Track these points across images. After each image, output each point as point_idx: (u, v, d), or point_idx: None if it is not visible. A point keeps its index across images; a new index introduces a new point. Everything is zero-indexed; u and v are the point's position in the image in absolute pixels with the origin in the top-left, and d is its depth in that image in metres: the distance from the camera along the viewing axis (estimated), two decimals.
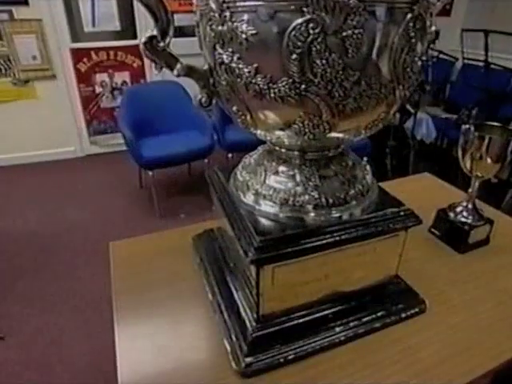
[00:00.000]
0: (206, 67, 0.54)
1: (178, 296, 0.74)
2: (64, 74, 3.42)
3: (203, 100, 0.55)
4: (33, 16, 3.18)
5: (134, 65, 3.52)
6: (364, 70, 0.45)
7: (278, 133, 0.54)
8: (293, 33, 0.42)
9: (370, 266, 0.66)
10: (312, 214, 0.59)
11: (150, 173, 2.50)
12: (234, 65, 0.47)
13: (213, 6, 0.46)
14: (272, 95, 0.47)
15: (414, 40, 0.47)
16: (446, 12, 3.99)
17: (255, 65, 0.46)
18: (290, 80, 0.45)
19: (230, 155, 2.81)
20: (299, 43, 0.42)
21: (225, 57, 0.48)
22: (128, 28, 3.44)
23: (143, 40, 0.50)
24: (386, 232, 0.62)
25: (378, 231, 0.61)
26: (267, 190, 0.60)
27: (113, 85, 3.55)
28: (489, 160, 0.84)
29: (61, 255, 2.27)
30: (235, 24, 0.44)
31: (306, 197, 0.58)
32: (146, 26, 3.40)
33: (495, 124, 0.89)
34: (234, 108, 0.54)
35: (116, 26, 3.37)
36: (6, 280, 2.09)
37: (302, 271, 0.60)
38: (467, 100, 3.15)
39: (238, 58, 0.46)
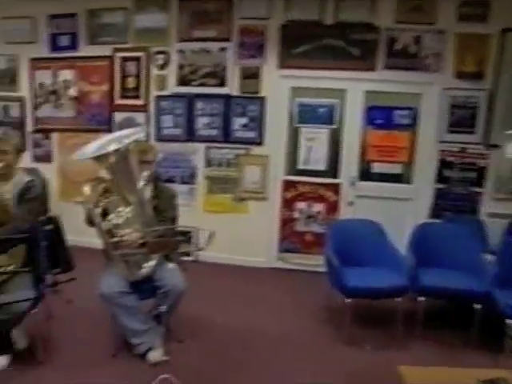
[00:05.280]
0: None
1: None
2: (272, 199, 4.17)
3: None
4: (263, 152, 4.12)
5: (330, 199, 4.07)
6: None
7: None
8: None
9: None
10: None
11: (348, 300, 2.70)
12: None
13: None
14: None
15: None
16: None
17: None
18: None
19: (422, 298, 2.79)
20: None
21: None
22: (331, 169, 4.09)
23: None
24: None
25: None
26: None
27: (309, 213, 4.11)
28: None
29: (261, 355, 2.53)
30: None
31: None
32: (346, 169, 4.02)
33: None
34: None
35: (322, 166, 4.06)
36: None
37: None
38: None
39: None
